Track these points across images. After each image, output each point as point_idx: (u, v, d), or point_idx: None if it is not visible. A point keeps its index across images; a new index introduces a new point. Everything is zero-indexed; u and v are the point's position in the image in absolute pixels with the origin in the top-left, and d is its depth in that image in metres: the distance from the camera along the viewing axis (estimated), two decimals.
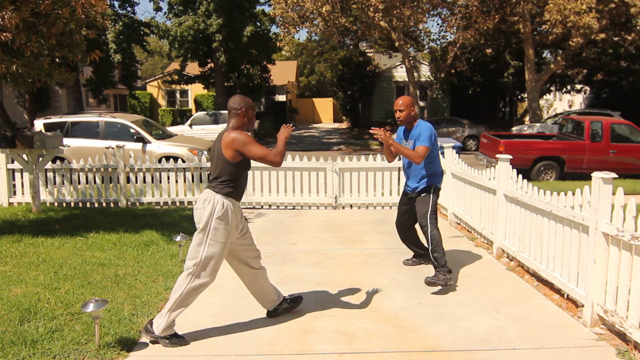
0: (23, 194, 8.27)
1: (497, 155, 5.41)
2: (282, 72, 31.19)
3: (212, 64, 23.28)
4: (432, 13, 20.62)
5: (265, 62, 24.25)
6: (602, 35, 17.39)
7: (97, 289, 4.24)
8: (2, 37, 5.76)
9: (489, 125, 21.53)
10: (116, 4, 21.53)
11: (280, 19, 20.03)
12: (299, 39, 31.64)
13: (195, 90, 30.08)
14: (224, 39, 20.79)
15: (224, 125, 20.25)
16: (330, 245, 5.90)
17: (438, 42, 23.61)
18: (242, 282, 3.71)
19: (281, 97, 31.16)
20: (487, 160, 11.78)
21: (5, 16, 5.58)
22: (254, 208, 8.04)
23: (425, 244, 4.56)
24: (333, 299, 4.17)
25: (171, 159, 8.78)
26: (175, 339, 3.33)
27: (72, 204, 8.20)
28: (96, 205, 8.19)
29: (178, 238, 4.95)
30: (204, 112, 21.22)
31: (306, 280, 4.64)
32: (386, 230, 6.49)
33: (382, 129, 4.45)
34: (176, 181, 8.21)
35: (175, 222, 6.91)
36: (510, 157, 5.24)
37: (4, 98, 21.39)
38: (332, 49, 30.62)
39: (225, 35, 20.73)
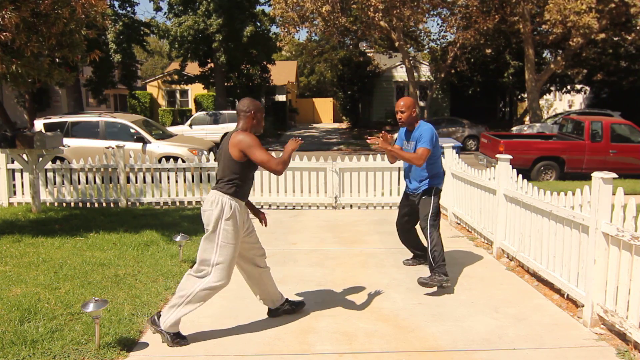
0: (23, 194, 8.27)
1: (497, 155, 5.41)
2: (282, 72, 31.20)
3: (212, 64, 23.28)
4: (432, 13, 20.63)
5: (265, 62, 24.25)
6: (602, 35, 17.39)
7: (97, 289, 4.24)
8: (2, 37, 5.75)
9: (489, 125, 21.53)
10: (116, 4, 21.54)
11: (280, 19, 20.03)
12: (299, 39, 31.68)
13: (195, 90, 30.08)
14: (224, 39, 20.79)
15: (224, 125, 20.37)
16: (330, 245, 5.90)
17: (438, 42, 23.63)
18: (247, 281, 3.71)
19: (281, 97, 31.17)
20: (487, 160, 11.78)
21: (6, 16, 5.58)
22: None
23: (426, 245, 4.55)
24: (333, 299, 4.17)
25: (171, 159, 8.78)
26: (177, 338, 3.34)
27: (72, 204, 8.21)
28: (96, 205, 8.19)
29: (178, 238, 4.95)
30: (204, 112, 21.21)
31: (306, 280, 4.64)
32: (386, 230, 6.49)
33: (378, 136, 4.41)
34: (176, 181, 8.21)
35: (175, 222, 6.91)
36: (510, 157, 5.24)
37: (4, 98, 21.39)
38: (332, 49, 30.64)
39: (225, 35, 20.73)
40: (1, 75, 6.34)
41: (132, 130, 10.73)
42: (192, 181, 8.19)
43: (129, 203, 8.14)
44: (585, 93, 28.26)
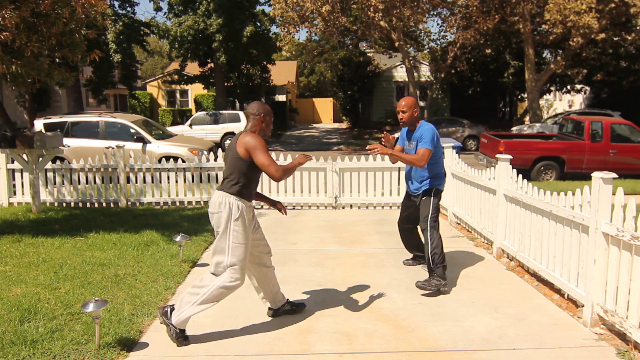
0: (23, 194, 8.27)
1: (497, 155, 5.41)
2: (282, 72, 31.21)
3: (212, 64, 23.28)
4: (432, 13, 20.62)
5: (265, 62, 24.25)
6: (602, 35, 17.39)
7: (97, 289, 4.24)
8: (2, 37, 5.76)
9: (489, 125, 21.53)
10: (116, 4, 21.55)
11: (280, 19, 20.03)
12: (299, 39, 31.66)
13: (195, 90, 30.09)
14: (224, 39, 20.80)
15: (224, 125, 20.35)
16: (330, 245, 5.90)
17: (438, 42, 23.63)
18: (252, 280, 3.72)
19: (281, 97, 31.18)
20: (487, 160, 11.78)
21: (6, 16, 5.58)
22: (254, 208, 8.03)
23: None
24: (333, 299, 4.17)
25: (171, 159, 8.78)
26: (182, 336, 3.35)
27: (72, 204, 8.20)
28: (96, 205, 8.19)
29: (178, 238, 4.95)
30: (204, 112, 21.22)
31: (306, 280, 4.64)
32: (386, 230, 6.49)
33: (381, 136, 4.41)
34: (176, 181, 8.21)
35: (175, 222, 6.91)
36: (510, 157, 5.24)
37: (4, 98, 21.39)
38: (332, 49, 30.63)
39: (225, 35, 20.73)
40: (1, 75, 6.34)
41: (132, 130, 10.74)
42: (192, 181, 8.19)
43: (129, 203, 8.14)
44: (585, 93, 28.27)
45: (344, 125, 31.63)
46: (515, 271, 4.86)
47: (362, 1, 17.93)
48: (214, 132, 19.30)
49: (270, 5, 21.90)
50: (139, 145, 10.43)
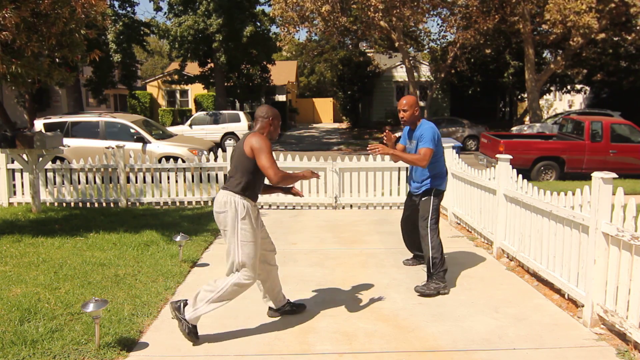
0: (23, 194, 8.27)
1: (497, 155, 5.41)
2: (282, 72, 31.20)
3: (212, 64, 23.28)
4: (432, 13, 20.61)
5: (265, 62, 24.26)
6: (602, 35, 17.39)
7: (97, 289, 4.24)
8: (2, 37, 5.75)
9: (489, 125, 21.53)
10: (116, 4, 21.56)
11: (280, 18, 20.02)
12: (299, 39, 31.63)
13: (195, 90, 30.09)
14: (224, 39, 20.80)
15: (224, 125, 20.37)
16: (330, 245, 5.90)
17: (438, 42, 23.63)
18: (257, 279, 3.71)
19: (281, 97, 31.17)
20: (487, 160, 11.78)
21: (6, 15, 5.58)
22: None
23: None
24: (333, 299, 4.17)
25: (171, 159, 8.78)
26: (193, 332, 3.35)
27: (72, 204, 8.20)
28: (96, 205, 8.19)
29: (178, 238, 4.95)
30: (204, 112, 21.22)
31: (306, 280, 4.64)
32: (386, 230, 6.49)
33: (382, 135, 4.40)
34: (176, 181, 8.21)
35: (175, 222, 6.91)
36: (510, 157, 5.24)
37: (4, 98, 21.39)
38: (332, 49, 30.62)
39: (225, 35, 20.73)
40: (1, 75, 6.34)
41: (132, 130, 10.74)
42: (192, 181, 8.19)
43: (129, 203, 8.14)
44: (585, 93, 28.27)
45: (344, 125, 31.63)
46: (515, 271, 4.86)
47: (362, 1, 17.93)
48: (214, 132, 19.31)
49: (270, 5, 21.90)
50: (139, 145, 10.43)
